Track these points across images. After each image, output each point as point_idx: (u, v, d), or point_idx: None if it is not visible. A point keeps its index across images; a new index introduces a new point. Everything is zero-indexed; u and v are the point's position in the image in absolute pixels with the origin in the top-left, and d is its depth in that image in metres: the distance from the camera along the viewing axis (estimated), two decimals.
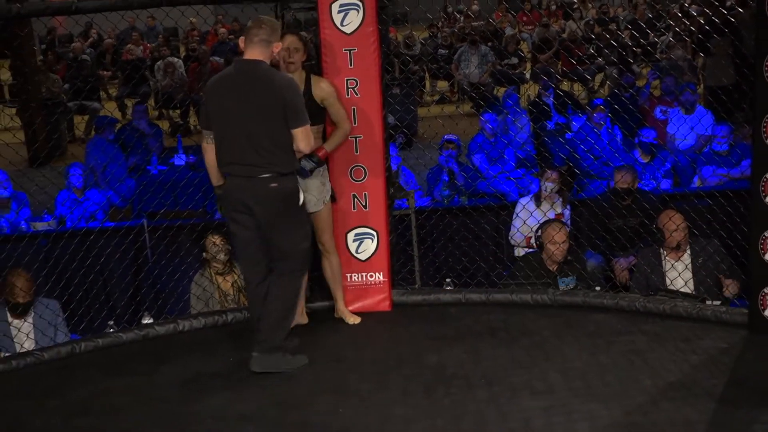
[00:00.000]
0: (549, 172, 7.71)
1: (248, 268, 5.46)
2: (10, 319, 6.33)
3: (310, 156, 5.40)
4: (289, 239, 5.24)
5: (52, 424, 4.91)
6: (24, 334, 6.33)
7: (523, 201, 7.73)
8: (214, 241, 6.70)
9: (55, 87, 15.52)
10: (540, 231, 6.80)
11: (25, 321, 6.37)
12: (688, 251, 6.55)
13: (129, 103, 15.30)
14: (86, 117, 15.29)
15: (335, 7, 5.81)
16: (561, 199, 7.73)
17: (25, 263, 6.71)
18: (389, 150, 8.11)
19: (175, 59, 16.61)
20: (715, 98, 10.64)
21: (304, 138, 5.11)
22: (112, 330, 6.05)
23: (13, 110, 15.28)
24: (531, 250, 7.20)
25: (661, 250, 6.61)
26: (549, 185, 7.61)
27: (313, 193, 5.64)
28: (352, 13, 5.81)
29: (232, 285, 6.73)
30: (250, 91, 5.12)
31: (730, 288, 6.39)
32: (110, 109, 15.37)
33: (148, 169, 10.49)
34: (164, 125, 13.63)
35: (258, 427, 4.73)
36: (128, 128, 11.79)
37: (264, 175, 5.12)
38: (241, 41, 5.23)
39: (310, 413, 4.84)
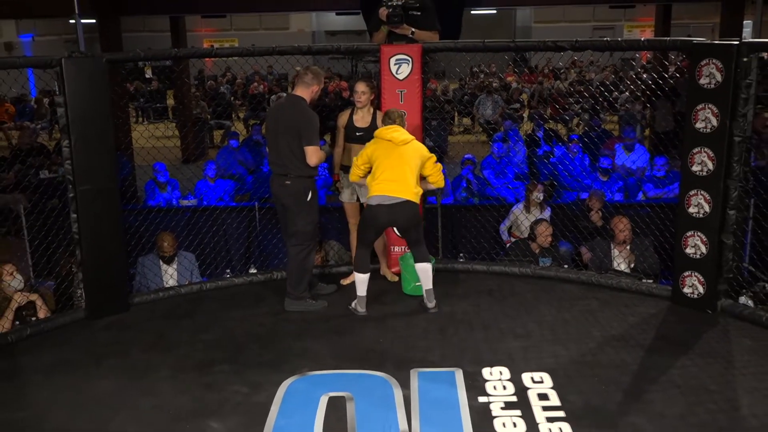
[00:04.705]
0: (539, 185, 7.58)
1: (282, 232, 5.54)
2: (160, 264, 6.38)
3: None
4: (295, 222, 5.23)
5: (184, 336, 4.94)
6: (169, 275, 6.37)
7: (515, 209, 7.58)
8: None
9: (202, 110, 15.70)
10: (534, 226, 6.71)
11: (170, 266, 6.41)
12: (629, 246, 6.41)
13: (252, 123, 15.39)
14: (222, 131, 15.43)
15: (392, 61, 5.75)
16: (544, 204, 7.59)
17: (173, 227, 6.76)
18: None
19: (284, 94, 16.64)
20: (658, 139, 10.45)
21: (311, 154, 5.09)
22: (228, 275, 6.07)
23: (174, 124, 15.49)
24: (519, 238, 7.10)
25: (612, 243, 6.47)
26: (539, 195, 7.48)
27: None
28: (404, 65, 5.75)
29: (321, 259, 6.63)
30: (284, 116, 5.18)
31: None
32: (239, 127, 15.54)
33: (260, 168, 10.52)
34: None
35: (323, 346, 4.72)
36: (250, 140, 11.84)
37: (282, 174, 5.18)
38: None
39: (360, 339, 4.82)
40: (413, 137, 5.23)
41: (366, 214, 5.20)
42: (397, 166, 5.06)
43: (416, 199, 5.12)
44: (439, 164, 5.25)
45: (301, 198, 5.17)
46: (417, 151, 5.16)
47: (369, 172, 5.21)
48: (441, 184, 5.35)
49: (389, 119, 5.21)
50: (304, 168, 5.13)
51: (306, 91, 5.20)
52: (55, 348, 4.82)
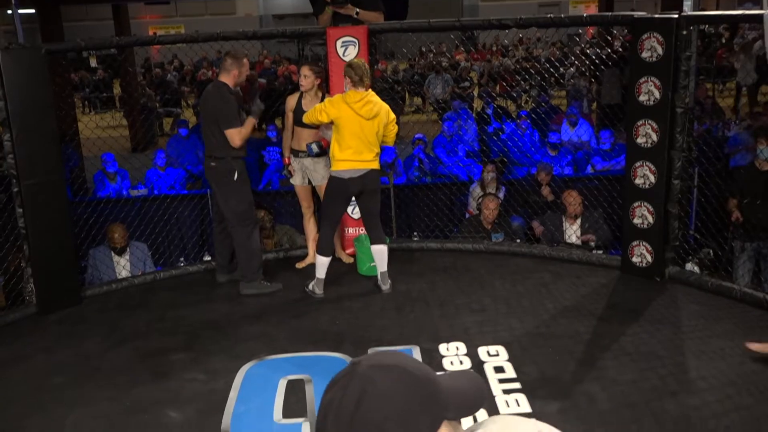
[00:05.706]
0: (489, 165, 7.63)
1: (213, 213, 5.54)
2: (112, 256, 6.26)
3: (317, 141, 5.36)
4: (225, 203, 5.22)
5: (139, 327, 4.88)
6: (122, 267, 6.26)
7: (473, 188, 7.66)
8: (261, 214, 6.47)
9: (149, 98, 15.39)
10: (480, 200, 6.76)
11: (122, 258, 6.30)
12: (580, 219, 6.50)
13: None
14: (170, 119, 15.16)
15: (339, 43, 5.71)
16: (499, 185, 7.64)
17: (123, 218, 6.64)
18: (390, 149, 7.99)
19: None
20: (604, 113, 10.57)
21: (232, 136, 5.08)
22: (182, 264, 5.99)
23: (121, 113, 15.16)
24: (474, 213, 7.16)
25: (563, 216, 6.55)
26: (489, 174, 7.52)
27: (320, 171, 5.56)
28: (351, 47, 5.71)
29: (274, 244, 6.56)
30: (206, 101, 5.21)
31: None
32: (188, 114, 15.28)
33: None
34: None
35: (280, 330, 4.69)
36: (199, 127, 11.62)
37: (208, 157, 5.22)
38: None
39: (317, 322, 4.81)
40: (380, 103, 5.03)
41: (335, 187, 5.04)
42: (363, 137, 4.95)
43: (378, 164, 5.13)
44: (396, 126, 5.18)
45: (227, 178, 5.15)
46: (382, 120, 5.02)
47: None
48: (391, 143, 5.32)
49: (356, 74, 4.90)
50: (227, 149, 5.11)
51: (228, 77, 5.17)
52: (6, 345, 4.71)
